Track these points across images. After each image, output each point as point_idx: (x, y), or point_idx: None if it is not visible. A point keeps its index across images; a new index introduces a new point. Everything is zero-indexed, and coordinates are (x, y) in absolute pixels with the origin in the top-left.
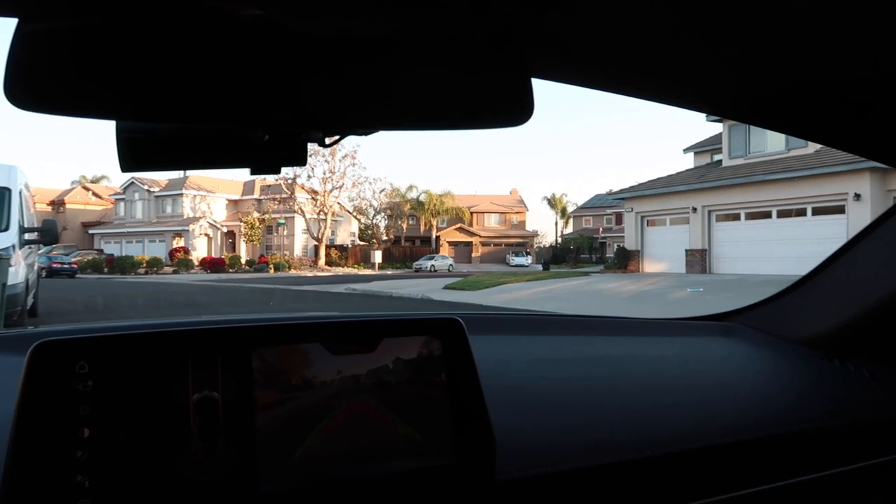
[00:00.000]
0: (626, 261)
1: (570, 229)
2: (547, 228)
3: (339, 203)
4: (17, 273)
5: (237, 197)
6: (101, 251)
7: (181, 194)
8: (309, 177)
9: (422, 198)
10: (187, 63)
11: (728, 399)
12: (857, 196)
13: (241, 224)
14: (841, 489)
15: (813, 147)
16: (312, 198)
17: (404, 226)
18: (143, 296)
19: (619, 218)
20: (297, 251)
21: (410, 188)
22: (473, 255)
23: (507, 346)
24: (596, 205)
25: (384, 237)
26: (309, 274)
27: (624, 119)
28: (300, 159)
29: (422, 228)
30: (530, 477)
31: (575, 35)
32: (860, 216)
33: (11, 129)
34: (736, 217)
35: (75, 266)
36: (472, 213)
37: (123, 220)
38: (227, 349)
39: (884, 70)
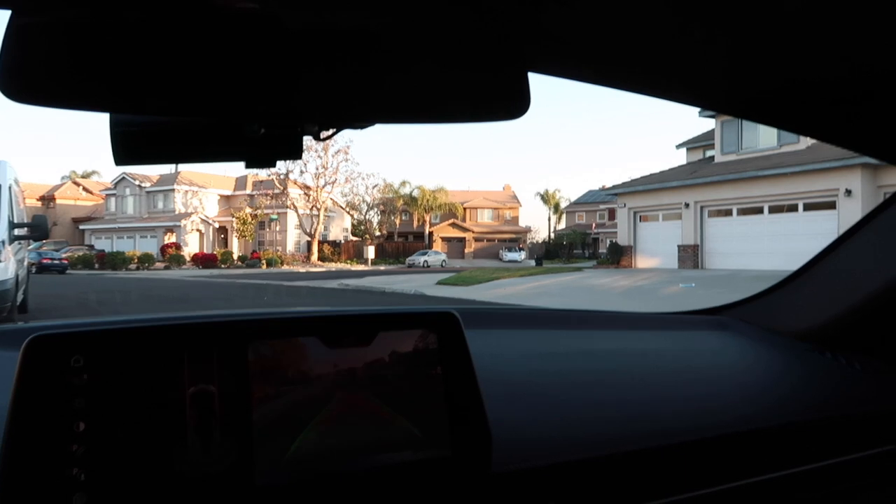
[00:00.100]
0: (618, 256)
1: (563, 225)
2: (540, 224)
3: (331, 199)
4: (7, 269)
5: (229, 192)
6: (91, 247)
7: (173, 190)
8: (302, 172)
9: (415, 193)
10: (183, 56)
11: (721, 392)
12: (848, 192)
13: (234, 219)
14: (832, 481)
15: (804, 143)
16: (305, 193)
17: (397, 221)
18: (135, 292)
19: (612, 213)
20: (290, 247)
21: (403, 184)
22: (467, 250)
23: (502, 340)
24: (589, 200)
25: (377, 233)
26: (301, 269)
27: (617, 115)
28: (296, 153)
29: (415, 224)
30: (525, 469)
31: (571, 29)
32: (851, 212)
33: (0, 124)
34: (728, 213)
35: (66, 262)
36: (465, 208)
37: (114, 215)
38: (223, 343)
39: (876, 67)
